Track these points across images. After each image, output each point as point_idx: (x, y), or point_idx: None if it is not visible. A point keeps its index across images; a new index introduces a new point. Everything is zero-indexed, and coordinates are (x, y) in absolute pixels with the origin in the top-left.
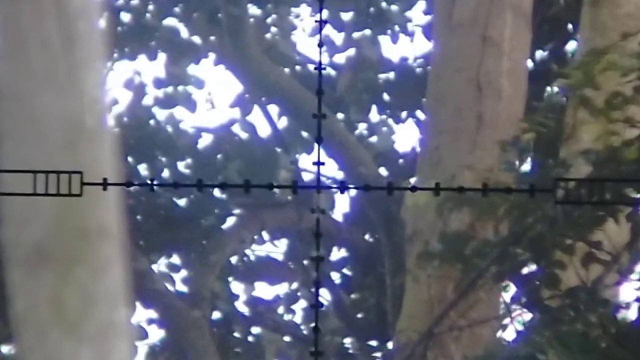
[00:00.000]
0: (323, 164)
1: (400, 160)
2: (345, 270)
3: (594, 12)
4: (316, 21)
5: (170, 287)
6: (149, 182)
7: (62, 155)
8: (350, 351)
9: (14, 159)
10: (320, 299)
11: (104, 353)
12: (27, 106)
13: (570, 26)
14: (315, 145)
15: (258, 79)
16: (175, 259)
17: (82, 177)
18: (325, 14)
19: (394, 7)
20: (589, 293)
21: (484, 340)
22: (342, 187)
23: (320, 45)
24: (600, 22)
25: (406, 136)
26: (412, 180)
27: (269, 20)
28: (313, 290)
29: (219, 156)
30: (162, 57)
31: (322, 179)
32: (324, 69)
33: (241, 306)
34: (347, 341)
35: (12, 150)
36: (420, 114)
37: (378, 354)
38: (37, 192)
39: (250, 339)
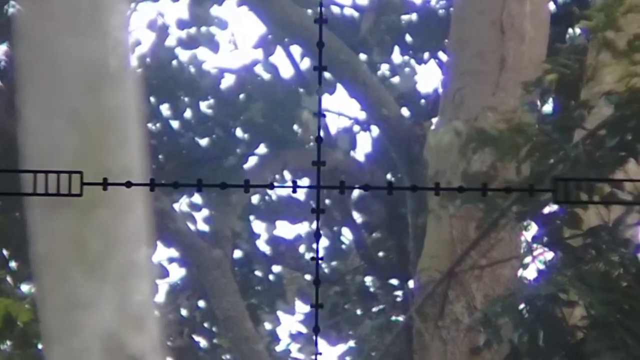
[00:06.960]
0: (324, 163)
1: (422, 101)
2: (366, 210)
3: None
4: None
5: (191, 226)
6: (149, 182)
7: (85, 97)
8: (371, 290)
9: (35, 103)
10: (342, 238)
11: (125, 292)
12: (48, 49)
13: None
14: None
15: (281, 20)
16: (197, 198)
17: (82, 176)
18: None
19: None
20: (610, 233)
21: (505, 280)
22: (342, 187)
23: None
24: None
25: (428, 77)
26: (434, 121)
27: None
28: (335, 229)
29: (241, 96)
30: None
31: (345, 119)
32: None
33: (262, 245)
34: (368, 280)
35: (33, 94)
36: (442, 55)
37: (399, 293)
38: (37, 192)
39: (271, 277)
